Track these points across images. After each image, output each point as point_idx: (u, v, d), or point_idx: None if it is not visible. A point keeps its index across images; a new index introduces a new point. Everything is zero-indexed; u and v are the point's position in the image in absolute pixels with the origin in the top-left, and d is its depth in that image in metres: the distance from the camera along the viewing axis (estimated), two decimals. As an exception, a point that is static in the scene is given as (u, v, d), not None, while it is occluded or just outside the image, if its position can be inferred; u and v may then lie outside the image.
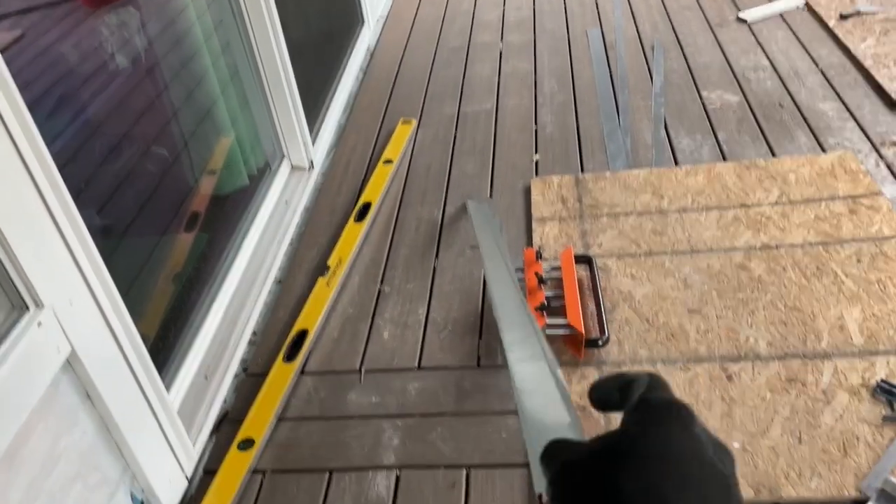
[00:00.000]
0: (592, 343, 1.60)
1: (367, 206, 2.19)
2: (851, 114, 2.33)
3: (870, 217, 1.85)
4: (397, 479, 1.44)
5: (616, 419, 0.42)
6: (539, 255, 1.82)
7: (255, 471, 1.49)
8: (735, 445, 1.37)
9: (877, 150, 2.14)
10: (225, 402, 1.65)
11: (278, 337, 1.80)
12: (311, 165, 2.35)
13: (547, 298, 1.66)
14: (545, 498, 0.40)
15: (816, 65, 2.64)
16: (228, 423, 1.61)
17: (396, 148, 2.47)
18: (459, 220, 2.12)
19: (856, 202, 1.91)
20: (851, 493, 1.27)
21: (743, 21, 3.03)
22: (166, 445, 1.37)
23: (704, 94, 2.56)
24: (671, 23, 3.11)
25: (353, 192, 2.32)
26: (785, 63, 2.68)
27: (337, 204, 2.28)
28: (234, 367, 1.69)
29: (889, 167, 2.06)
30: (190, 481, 1.46)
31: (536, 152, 2.38)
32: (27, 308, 1.03)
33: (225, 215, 1.99)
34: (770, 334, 1.59)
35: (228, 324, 1.78)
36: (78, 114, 1.58)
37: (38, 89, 1.44)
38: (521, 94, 2.74)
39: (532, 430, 0.53)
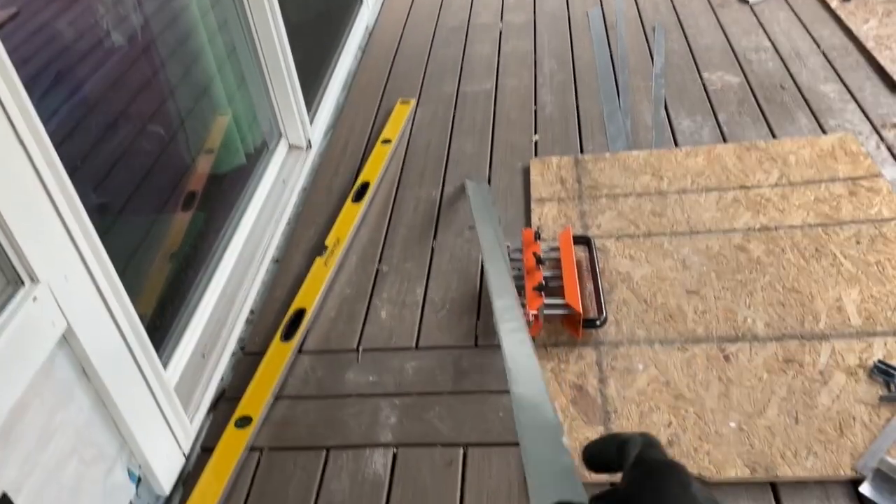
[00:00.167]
0: (590, 323, 1.60)
1: (365, 186, 2.18)
2: (853, 95, 2.31)
3: (869, 199, 1.85)
4: (394, 456, 1.44)
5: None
6: (538, 236, 1.81)
7: (252, 448, 1.50)
8: (731, 425, 1.38)
9: (877, 132, 2.13)
10: (222, 380, 1.65)
11: (276, 316, 1.80)
12: (309, 145, 2.34)
13: (545, 278, 1.65)
14: None
15: (818, 46, 2.62)
16: (226, 402, 1.61)
17: (395, 128, 2.46)
18: (458, 200, 2.11)
19: (856, 184, 1.90)
20: (847, 472, 1.27)
21: (745, 2, 3.01)
22: (163, 423, 1.38)
23: (705, 75, 2.54)
24: (672, 3, 3.09)
25: (351, 171, 2.31)
26: (786, 44, 2.66)
27: (335, 184, 2.27)
28: (232, 345, 1.69)
29: (889, 149, 2.05)
30: (187, 458, 1.46)
31: (536, 133, 2.37)
32: (22, 283, 1.03)
33: (222, 194, 1.98)
34: (768, 315, 1.58)
35: (226, 303, 1.78)
36: (74, 91, 1.56)
37: (34, 67, 1.42)
38: (521, 75, 2.72)
39: (533, 471, 0.56)
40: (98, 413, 1.21)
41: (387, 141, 2.39)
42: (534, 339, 1.61)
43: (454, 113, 2.55)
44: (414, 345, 1.68)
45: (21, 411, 1.03)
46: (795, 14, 2.86)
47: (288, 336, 1.71)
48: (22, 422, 1.03)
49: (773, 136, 2.18)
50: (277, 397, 1.60)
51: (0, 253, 1.00)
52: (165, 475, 1.38)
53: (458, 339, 1.67)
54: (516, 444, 1.41)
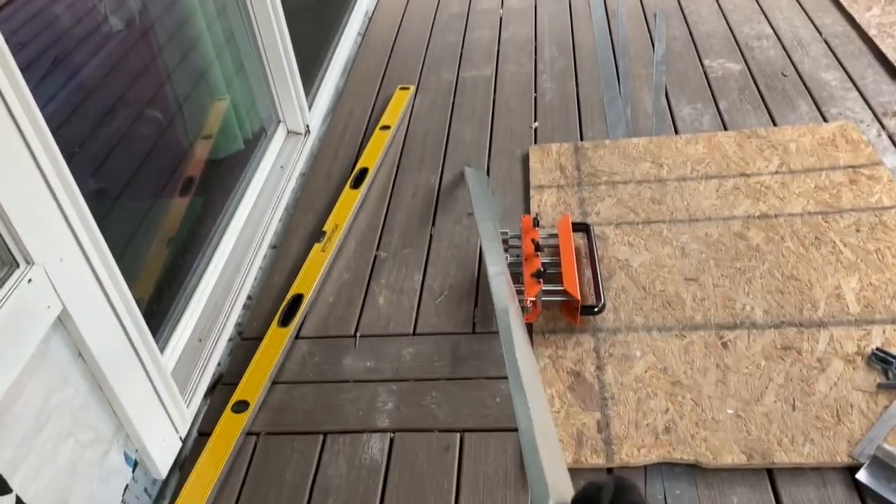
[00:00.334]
0: (588, 310, 1.60)
1: (363, 172, 2.17)
2: (854, 83, 2.30)
3: (870, 187, 1.84)
4: (391, 441, 1.44)
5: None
6: (536, 223, 1.81)
7: (249, 433, 1.50)
8: (729, 412, 1.37)
9: (879, 120, 2.12)
10: (219, 365, 1.65)
11: (273, 301, 1.80)
12: (308, 130, 2.33)
13: (543, 265, 1.65)
14: None
15: (820, 34, 2.61)
16: (223, 386, 1.61)
17: (394, 114, 2.45)
18: (457, 187, 2.11)
19: (856, 172, 1.90)
20: (844, 459, 1.27)
21: (747, -11, 2.98)
22: (160, 406, 1.37)
23: (706, 62, 2.52)
24: (674, -10, 3.06)
25: (349, 157, 2.30)
26: (788, 32, 2.65)
27: (333, 169, 2.26)
28: (229, 330, 1.69)
29: (891, 137, 2.04)
30: (184, 442, 1.46)
31: (535, 119, 2.36)
32: (17, 264, 1.03)
33: (220, 179, 1.97)
34: (766, 303, 1.58)
35: (223, 288, 1.77)
36: (72, 76, 1.55)
37: (32, 52, 1.41)
38: (521, 61, 2.71)
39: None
40: (94, 396, 1.21)
41: (386, 127, 2.38)
42: (531, 325, 1.61)
43: (454, 99, 2.54)
44: (412, 331, 1.67)
45: (17, 392, 1.03)
46: (797, 1, 2.84)
47: (285, 321, 1.71)
48: (18, 402, 1.03)
49: (774, 123, 2.17)
50: (274, 382, 1.59)
51: (-5, 235, 1.00)
52: (162, 459, 1.38)
53: (455, 325, 1.67)
54: (513, 430, 1.42)
